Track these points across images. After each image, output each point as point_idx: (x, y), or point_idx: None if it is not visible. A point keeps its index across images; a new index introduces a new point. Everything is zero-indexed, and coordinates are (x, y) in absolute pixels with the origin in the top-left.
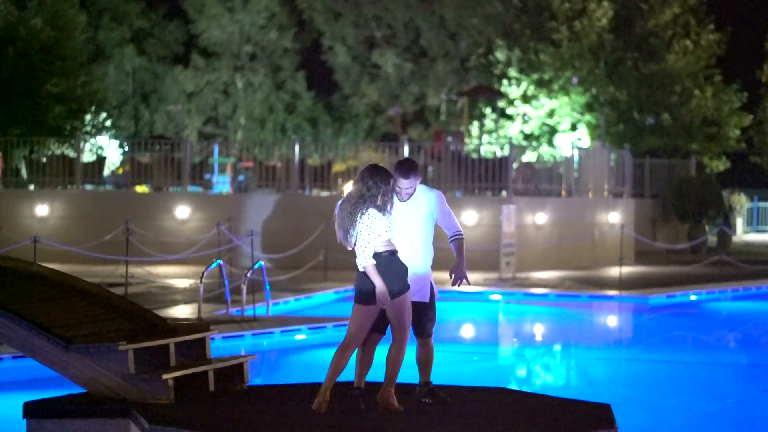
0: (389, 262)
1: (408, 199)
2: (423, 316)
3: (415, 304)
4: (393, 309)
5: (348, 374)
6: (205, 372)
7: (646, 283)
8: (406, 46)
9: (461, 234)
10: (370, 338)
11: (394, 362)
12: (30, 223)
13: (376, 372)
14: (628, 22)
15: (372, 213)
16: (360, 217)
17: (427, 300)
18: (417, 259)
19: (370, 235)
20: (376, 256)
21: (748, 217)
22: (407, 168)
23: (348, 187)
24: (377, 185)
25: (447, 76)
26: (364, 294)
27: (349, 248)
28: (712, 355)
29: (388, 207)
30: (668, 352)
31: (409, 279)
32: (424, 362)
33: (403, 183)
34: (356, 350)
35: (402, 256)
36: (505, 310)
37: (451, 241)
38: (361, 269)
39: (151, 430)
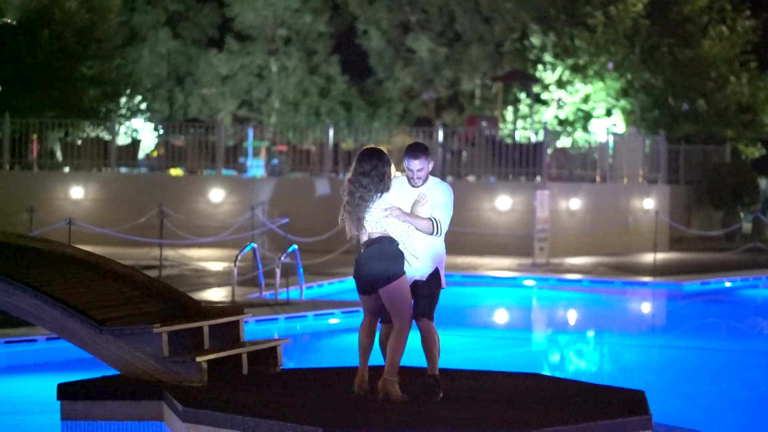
0: (373, 247)
1: (421, 184)
2: (417, 293)
3: (413, 282)
4: (384, 296)
5: (380, 359)
6: (238, 355)
7: (681, 269)
8: (440, 31)
9: (435, 220)
10: (385, 328)
11: (392, 349)
12: (64, 205)
13: (412, 356)
14: (664, 8)
15: (383, 198)
16: (371, 206)
17: (424, 279)
18: (424, 246)
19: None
20: (369, 241)
21: None
22: (415, 149)
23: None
24: (365, 177)
25: (481, 61)
26: (355, 280)
27: (362, 235)
28: (746, 343)
29: (388, 186)
30: (702, 339)
31: (417, 264)
32: (426, 351)
33: (414, 164)
34: (378, 336)
35: (413, 242)
36: (539, 296)
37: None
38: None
39: (185, 413)
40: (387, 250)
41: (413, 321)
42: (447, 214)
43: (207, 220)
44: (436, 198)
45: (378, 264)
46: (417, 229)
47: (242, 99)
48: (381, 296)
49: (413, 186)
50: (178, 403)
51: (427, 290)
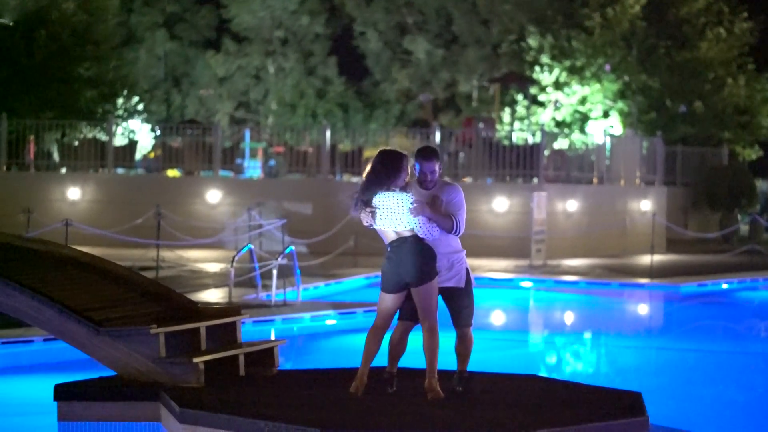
0: (409, 245)
1: (433, 187)
2: (458, 303)
3: (449, 289)
4: (418, 294)
5: (381, 359)
6: (235, 356)
7: (677, 271)
8: (437, 33)
9: (455, 218)
10: (402, 326)
11: (432, 350)
12: (61, 206)
13: (411, 357)
14: (661, 10)
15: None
16: (401, 202)
17: (462, 285)
18: (444, 244)
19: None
20: (400, 240)
21: None
22: (428, 152)
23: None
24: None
25: (478, 63)
26: (384, 279)
27: (388, 234)
28: (742, 345)
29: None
30: (699, 340)
31: (441, 265)
32: (461, 354)
33: (427, 166)
34: (390, 335)
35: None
36: (536, 298)
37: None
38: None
39: (182, 414)
40: (423, 248)
41: (455, 329)
42: (463, 213)
43: (204, 222)
44: (451, 198)
45: (416, 262)
46: (438, 227)
47: (239, 100)
48: (414, 294)
49: (425, 189)
50: (175, 404)
51: (468, 301)
